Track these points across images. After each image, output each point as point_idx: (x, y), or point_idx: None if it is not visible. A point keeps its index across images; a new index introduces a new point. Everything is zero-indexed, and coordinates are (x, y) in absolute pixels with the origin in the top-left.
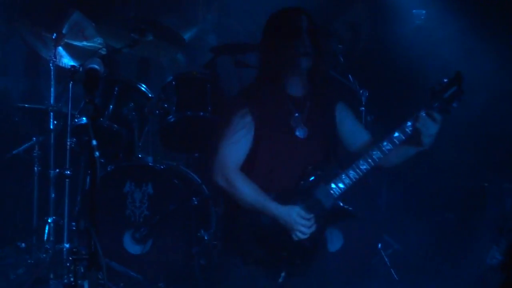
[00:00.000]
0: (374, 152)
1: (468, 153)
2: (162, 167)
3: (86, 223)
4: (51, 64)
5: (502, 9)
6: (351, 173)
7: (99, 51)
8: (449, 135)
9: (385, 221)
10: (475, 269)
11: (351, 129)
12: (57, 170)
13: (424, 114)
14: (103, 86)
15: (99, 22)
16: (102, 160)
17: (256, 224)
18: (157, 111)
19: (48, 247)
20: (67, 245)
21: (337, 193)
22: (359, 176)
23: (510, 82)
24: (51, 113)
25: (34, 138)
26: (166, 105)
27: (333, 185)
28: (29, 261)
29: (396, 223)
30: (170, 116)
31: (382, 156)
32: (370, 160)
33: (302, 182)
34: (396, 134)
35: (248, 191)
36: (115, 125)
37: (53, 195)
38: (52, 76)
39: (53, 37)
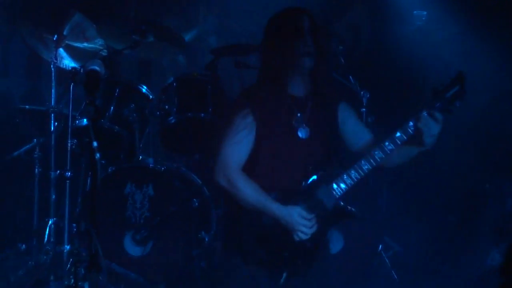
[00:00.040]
0: (376, 152)
1: (468, 154)
2: (163, 168)
3: (87, 224)
4: (52, 66)
5: (503, 10)
6: (353, 173)
7: (100, 52)
8: (449, 136)
9: (385, 222)
10: (476, 270)
11: (353, 129)
12: (58, 172)
13: (426, 114)
14: (104, 88)
15: (100, 24)
16: (103, 162)
17: (258, 225)
18: (158, 113)
19: (49, 248)
20: (67, 247)
21: (338, 193)
22: (361, 176)
23: (510, 83)
24: (52, 115)
25: (35, 140)
26: (167, 107)
27: (334, 185)
28: (29, 262)
29: (396, 224)
30: (171, 118)
31: (384, 156)
32: (372, 160)
33: (303, 182)
34: (398, 134)
35: (249, 191)
36: (116, 127)
37: (53, 197)
38: (53, 78)
39: (54, 39)
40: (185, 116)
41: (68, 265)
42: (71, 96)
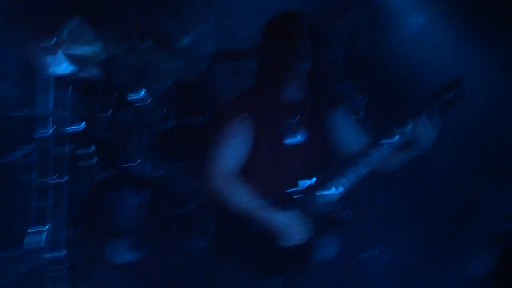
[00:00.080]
0: (373, 156)
1: (460, 159)
2: (159, 173)
3: (81, 230)
4: (49, 71)
5: (499, 15)
6: (350, 177)
7: (95, 57)
8: (441, 142)
9: (375, 229)
10: (464, 278)
11: (349, 133)
12: (53, 178)
13: (424, 118)
14: (98, 93)
15: (98, 28)
16: (97, 168)
17: (253, 229)
18: (152, 118)
19: (34, 256)
20: (53, 254)
21: (334, 197)
22: (357, 180)
23: (506, 88)
24: (48, 120)
25: (31, 145)
26: (161, 112)
27: (330, 190)
28: (14, 270)
29: (385, 231)
30: (168, 122)
31: (380, 160)
32: (367, 164)
33: (298, 187)
34: (396, 138)
35: (243, 196)
36: (110, 132)
37: (48, 203)
38: (49, 83)
39: (52, 43)
40: (182, 121)
41: (54, 273)
42: (68, 101)
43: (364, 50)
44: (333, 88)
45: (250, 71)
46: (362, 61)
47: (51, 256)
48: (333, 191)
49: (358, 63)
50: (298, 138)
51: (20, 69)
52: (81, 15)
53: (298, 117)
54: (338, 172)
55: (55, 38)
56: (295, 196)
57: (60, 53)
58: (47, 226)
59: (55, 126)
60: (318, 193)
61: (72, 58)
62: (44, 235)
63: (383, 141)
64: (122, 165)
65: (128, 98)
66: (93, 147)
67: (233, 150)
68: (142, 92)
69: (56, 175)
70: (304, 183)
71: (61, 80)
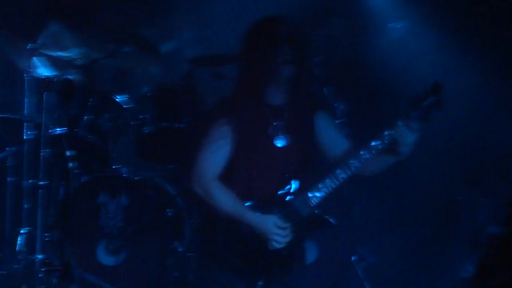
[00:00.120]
0: (351, 161)
1: (441, 166)
2: (136, 178)
3: (60, 234)
4: (26, 74)
5: (480, 23)
6: (328, 182)
7: (76, 61)
8: (422, 149)
9: (359, 233)
10: (448, 282)
11: (330, 137)
12: (31, 181)
13: (401, 123)
14: (79, 97)
15: (76, 33)
16: (76, 171)
17: (234, 233)
18: (132, 122)
19: (21, 258)
20: (40, 256)
21: (314, 202)
22: (336, 185)
23: (485, 96)
24: (25, 123)
25: (8, 148)
26: (141, 116)
27: (310, 194)
28: (1, 272)
29: (370, 235)
30: (146, 127)
31: (359, 165)
32: (347, 170)
33: (279, 191)
34: (374, 143)
35: (225, 199)
36: (90, 136)
37: (26, 206)
38: (26, 86)
39: (29, 47)
40: (160, 126)
41: (41, 275)
42: (44, 105)
43: (345, 56)
44: (314, 93)
45: (231, 75)
46: (343, 67)
47: (31, 259)
48: (314, 195)
49: (338, 69)
50: (280, 142)
51: (1, 72)
52: (61, 19)
53: (280, 121)
54: (318, 176)
55: (35, 42)
56: (275, 199)
57: (40, 57)
58: (23, 230)
59: (36, 130)
60: (299, 197)
61: (53, 62)
62: (20, 238)
63: (361, 147)
64: (103, 169)
65: (109, 102)
66: (73, 151)
67: (214, 153)
68: (123, 96)
69: (37, 178)
70: (286, 186)
71: (42, 84)
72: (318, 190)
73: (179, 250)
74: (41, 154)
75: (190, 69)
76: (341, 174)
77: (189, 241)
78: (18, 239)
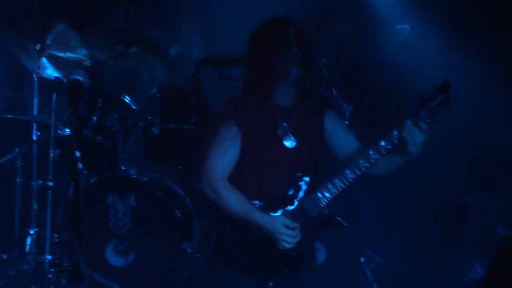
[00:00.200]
0: (360, 161)
1: (450, 168)
2: (145, 179)
3: (69, 234)
4: (34, 75)
5: (485, 23)
6: (337, 182)
7: (84, 62)
8: (431, 150)
9: (368, 235)
10: (457, 283)
11: (340, 137)
12: (40, 182)
13: (410, 123)
14: (87, 98)
15: (83, 33)
16: (85, 172)
17: (244, 233)
18: (140, 123)
19: (30, 258)
20: (49, 257)
21: (323, 202)
22: (345, 185)
23: (493, 97)
24: (34, 124)
25: (17, 149)
26: (150, 117)
27: (319, 194)
28: (10, 272)
29: (379, 237)
30: (154, 128)
31: (368, 165)
32: (356, 170)
33: (288, 191)
34: (382, 143)
35: (234, 201)
36: (99, 137)
37: (35, 207)
38: (35, 87)
39: (37, 48)
40: (168, 127)
41: (50, 275)
42: (53, 106)
43: (353, 57)
44: (322, 93)
45: (238, 76)
46: (350, 68)
47: (40, 259)
48: (323, 195)
49: (346, 70)
50: (289, 143)
51: (6, 74)
52: (69, 20)
53: (289, 122)
54: (326, 177)
55: (44, 43)
56: (284, 200)
57: (49, 58)
58: (33, 230)
59: (44, 130)
60: (308, 197)
61: (61, 63)
62: (29, 239)
63: (370, 147)
64: (112, 170)
65: (118, 102)
66: (78, 152)
67: (223, 155)
68: (128, 98)
69: (46, 179)
70: (295, 186)
71: (50, 85)
72: (327, 190)
73: (188, 251)
74: (50, 154)
75: (197, 70)
76: (350, 174)
77: (198, 242)
78: (27, 240)
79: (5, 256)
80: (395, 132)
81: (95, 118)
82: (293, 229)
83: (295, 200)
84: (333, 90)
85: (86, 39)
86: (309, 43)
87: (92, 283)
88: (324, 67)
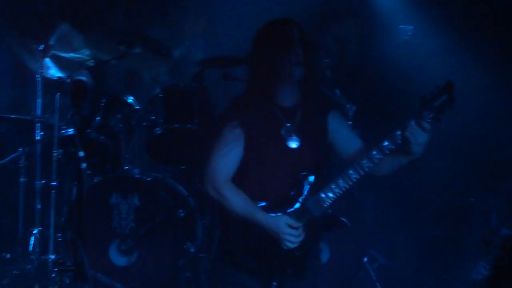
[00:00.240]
0: (363, 162)
1: (454, 168)
2: (148, 179)
3: (72, 234)
4: (38, 75)
5: (488, 24)
6: (341, 182)
7: (87, 62)
8: (435, 151)
9: (371, 234)
10: (461, 283)
11: (345, 137)
12: (43, 181)
13: (413, 123)
14: (90, 98)
15: (87, 34)
16: (89, 172)
17: (248, 233)
18: (144, 123)
19: (34, 258)
20: (52, 256)
21: (326, 202)
22: (349, 185)
23: (496, 97)
24: (38, 124)
25: (21, 149)
26: (153, 117)
27: (322, 195)
28: (14, 272)
29: (382, 237)
30: (157, 128)
31: (371, 165)
32: (359, 170)
33: (292, 192)
34: (386, 143)
35: (237, 201)
36: (102, 137)
37: (39, 206)
38: (39, 87)
39: (41, 48)
40: (171, 127)
41: (53, 275)
42: (57, 106)
43: (356, 58)
44: (325, 94)
45: (241, 77)
46: (353, 68)
47: (43, 259)
48: (326, 195)
49: (349, 70)
50: (293, 143)
51: (9, 74)
52: (72, 20)
53: (292, 122)
54: (330, 177)
55: (47, 43)
56: (287, 200)
57: (49, 58)
58: (36, 230)
59: (48, 130)
60: (312, 197)
61: (64, 63)
62: (32, 239)
63: (374, 147)
64: (115, 170)
65: (121, 103)
66: (82, 152)
67: (227, 155)
68: (131, 99)
69: (49, 179)
70: (299, 187)
71: (53, 85)
72: (331, 191)
73: (191, 250)
74: (54, 154)
75: (200, 70)
76: (354, 175)
77: (201, 242)
78: (31, 239)
79: (8, 256)
80: (399, 132)
81: (99, 118)
82: (296, 228)
83: (298, 201)
84: (336, 90)
85: (89, 40)
86: (312, 43)
87: (96, 283)
88: (327, 67)
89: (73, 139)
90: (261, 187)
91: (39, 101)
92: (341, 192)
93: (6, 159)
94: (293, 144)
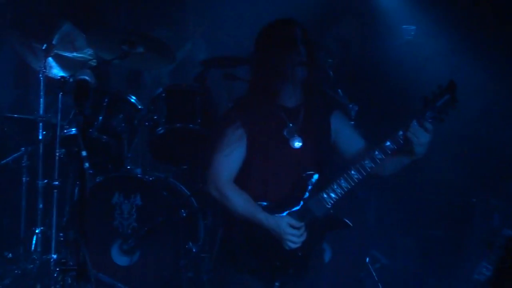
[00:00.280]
0: (365, 162)
1: (456, 168)
2: (150, 178)
3: (75, 233)
4: (40, 75)
5: (491, 24)
6: (343, 183)
7: (90, 62)
8: (437, 151)
9: (373, 235)
10: (463, 284)
11: (348, 137)
12: (46, 181)
13: (415, 123)
14: (93, 97)
15: (89, 33)
16: (91, 171)
17: (250, 233)
18: (146, 123)
19: (36, 257)
20: (54, 256)
21: (328, 202)
22: (351, 185)
23: (499, 97)
24: (40, 124)
25: (23, 148)
26: (155, 117)
27: (324, 195)
28: (16, 271)
29: (384, 237)
30: (160, 128)
31: (373, 165)
32: (361, 170)
33: (294, 192)
34: (388, 144)
35: (239, 201)
36: (105, 136)
37: (41, 206)
38: (41, 87)
39: (43, 48)
40: (173, 127)
41: (55, 274)
42: (59, 105)
43: (357, 58)
44: (328, 94)
45: (243, 77)
46: (356, 68)
47: (45, 258)
48: (329, 195)
49: (352, 70)
50: (296, 143)
51: (12, 73)
52: (75, 20)
53: (295, 123)
54: (332, 177)
55: (50, 43)
56: (290, 200)
57: (52, 58)
58: (38, 229)
59: (50, 130)
60: (314, 197)
61: (67, 62)
62: (34, 238)
63: (376, 147)
64: (118, 169)
65: (123, 102)
66: (85, 152)
67: (229, 156)
68: (133, 98)
69: (52, 178)
70: (299, 187)
71: (56, 84)
72: (333, 191)
73: (193, 250)
74: (56, 154)
75: (203, 70)
76: (356, 175)
77: (203, 242)
78: (33, 239)
79: (10, 255)
80: (401, 132)
81: (101, 118)
82: (298, 228)
83: (300, 201)
84: (339, 90)
85: (92, 39)
86: (315, 43)
87: (98, 282)
88: (330, 67)
89: (75, 138)
90: (264, 187)
91: (41, 100)
92: (343, 192)
93: (8, 159)
94: (296, 144)
